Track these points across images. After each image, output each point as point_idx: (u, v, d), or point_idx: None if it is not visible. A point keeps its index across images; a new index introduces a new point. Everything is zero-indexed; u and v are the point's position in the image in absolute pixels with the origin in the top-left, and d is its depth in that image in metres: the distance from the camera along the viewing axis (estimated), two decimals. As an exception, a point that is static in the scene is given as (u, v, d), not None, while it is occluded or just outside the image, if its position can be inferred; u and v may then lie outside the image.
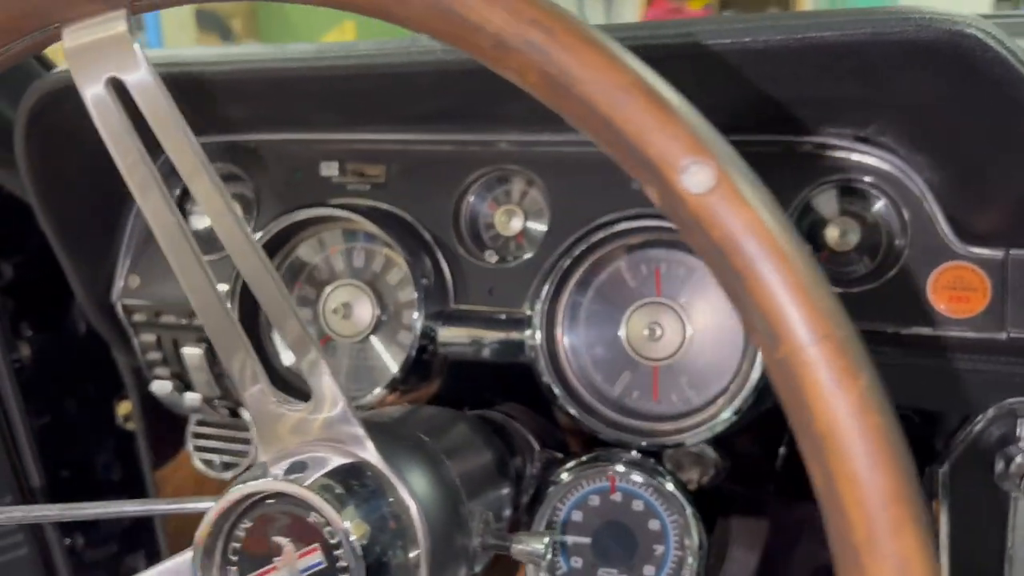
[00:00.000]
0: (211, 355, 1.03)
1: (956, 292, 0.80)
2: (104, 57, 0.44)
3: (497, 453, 0.75)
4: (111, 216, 1.03)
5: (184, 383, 1.09)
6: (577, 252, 0.87)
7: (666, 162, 0.32)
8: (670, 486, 0.81)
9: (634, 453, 0.87)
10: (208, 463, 1.16)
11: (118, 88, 0.46)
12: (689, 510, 0.80)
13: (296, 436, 0.58)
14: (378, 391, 0.92)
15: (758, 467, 1.05)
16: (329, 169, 0.97)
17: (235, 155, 1.02)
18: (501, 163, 0.94)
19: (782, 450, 0.97)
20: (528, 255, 0.92)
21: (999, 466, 0.84)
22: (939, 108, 0.75)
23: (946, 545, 0.88)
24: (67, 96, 0.87)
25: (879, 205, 0.85)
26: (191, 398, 1.09)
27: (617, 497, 0.83)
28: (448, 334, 0.92)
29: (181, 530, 1.30)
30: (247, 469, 1.12)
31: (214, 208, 0.49)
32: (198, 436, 1.17)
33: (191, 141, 0.47)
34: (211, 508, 0.54)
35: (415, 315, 0.91)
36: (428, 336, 0.91)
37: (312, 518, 0.53)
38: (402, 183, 0.96)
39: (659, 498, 0.82)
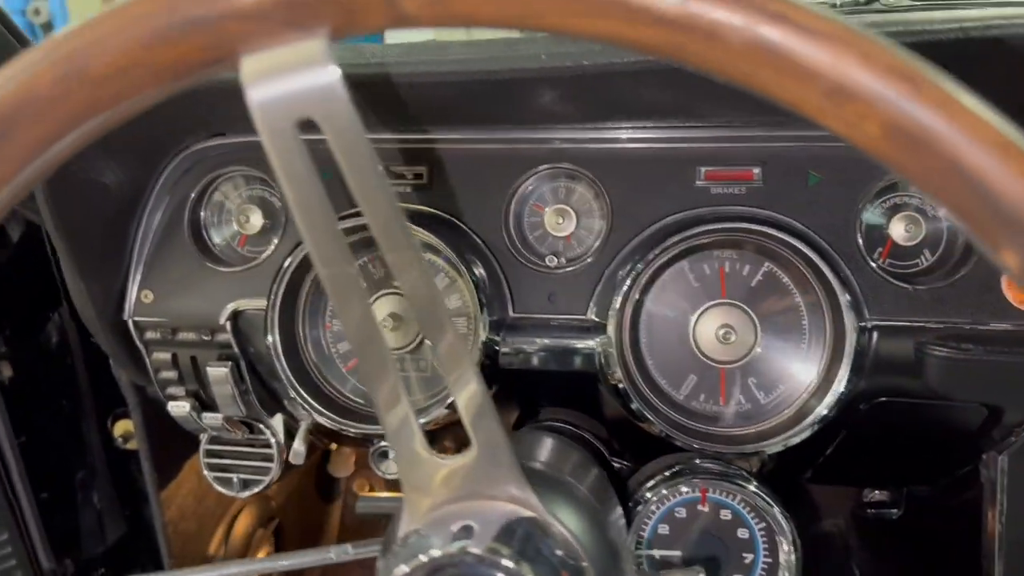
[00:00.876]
0: (237, 373, 0.96)
1: (1030, 287, 0.81)
2: (296, 93, 0.38)
3: (604, 473, 0.72)
4: (120, 230, 0.94)
5: (201, 402, 1.01)
6: (651, 256, 0.83)
7: (1050, 229, 0.29)
8: (761, 494, 0.79)
9: (699, 461, 0.85)
10: (225, 482, 1.09)
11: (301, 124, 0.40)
12: (778, 512, 0.79)
13: (448, 487, 0.53)
14: (442, 411, 0.88)
15: (800, 457, 1.05)
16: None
17: (258, 157, 0.94)
18: (554, 162, 0.89)
19: (829, 450, 0.96)
20: (589, 259, 0.88)
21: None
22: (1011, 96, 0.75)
23: (1005, 523, 0.90)
24: None
25: (947, 200, 0.84)
26: (212, 418, 1.01)
27: (705, 508, 0.81)
28: (512, 344, 0.87)
29: (185, 551, 1.23)
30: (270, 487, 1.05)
31: (391, 236, 0.43)
32: (211, 455, 1.09)
33: (389, 193, 0.42)
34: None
35: (480, 327, 0.86)
36: (490, 347, 0.87)
37: (499, 587, 0.48)
38: (447, 184, 0.90)
39: (747, 506, 0.81)
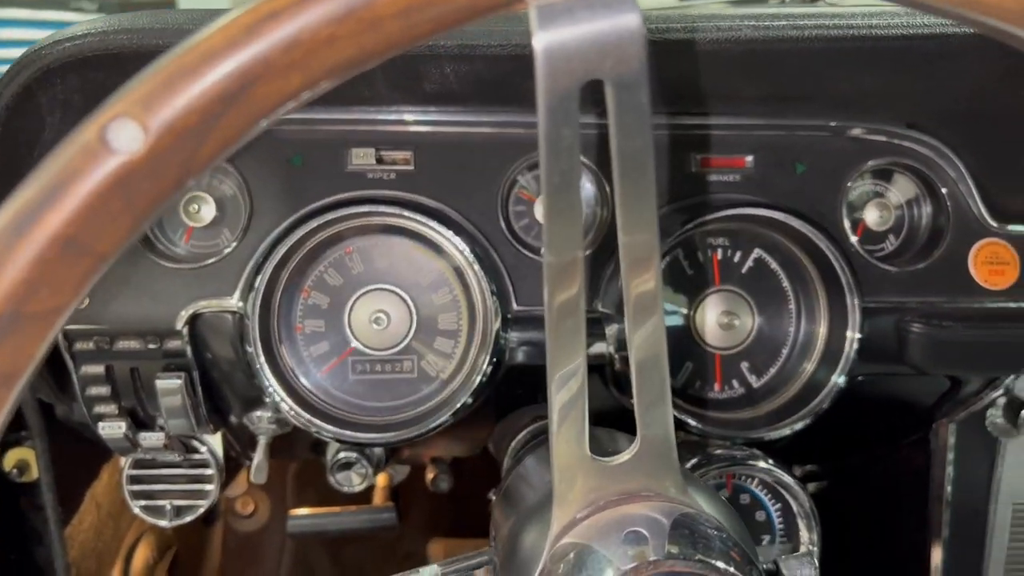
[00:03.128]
0: (190, 383, 0.84)
1: (993, 266, 0.88)
2: (590, 41, 0.33)
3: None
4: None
5: (136, 420, 0.88)
6: (665, 246, 0.82)
7: None
8: (783, 477, 0.80)
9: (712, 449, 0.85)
10: (155, 511, 0.96)
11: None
12: (796, 488, 0.81)
13: (600, 489, 0.49)
14: (446, 419, 0.82)
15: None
16: (361, 157, 0.82)
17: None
18: (548, 147, 0.86)
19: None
20: (589, 250, 0.86)
21: (994, 418, 0.95)
22: (987, 94, 0.81)
23: (953, 488, 0.98)
24: (63, 75, 0.64)
25: (917, 188, 0.90)
26: (152, 438, 0.88)
27: (725, 494, 0.81)
28: (519, 339, 0.83)
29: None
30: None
31: (644, 217, 0.39)
32: (136, 481, 0.95)
33: (651, 174, 0.37)
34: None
35: (491, 320, 0.81)
36: (498, 342, 0.82)
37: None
38: (435, 171, 0.84)
39: (763, 488, 0.82)
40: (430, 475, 1.22)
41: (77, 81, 0.64)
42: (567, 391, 0.46)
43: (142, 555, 1.19)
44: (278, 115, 0.31)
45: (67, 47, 0.61)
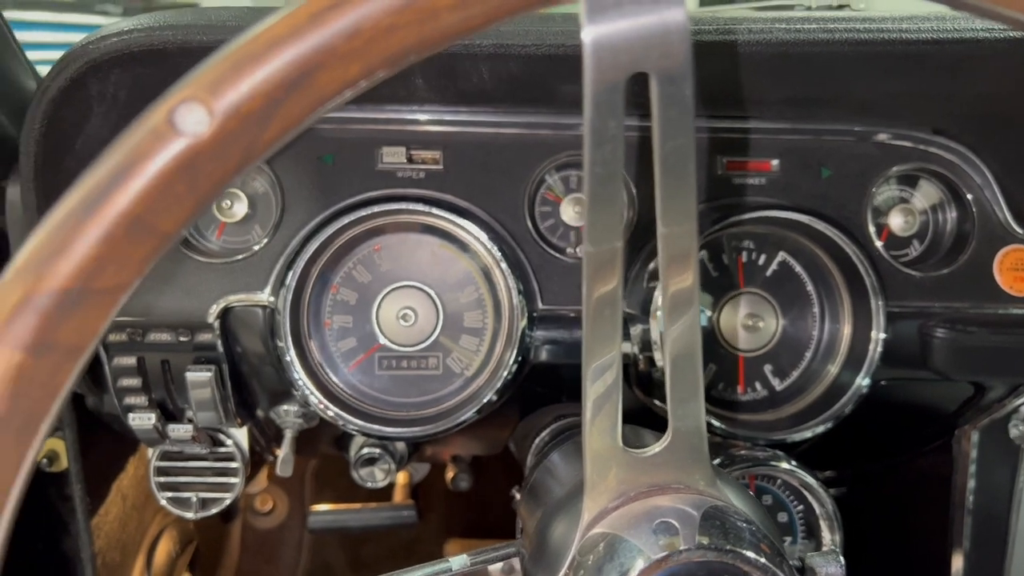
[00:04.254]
0: (220, 376, 0.85)
1: (1018, 273, 0.88)
2: (642, 43, 0.34)
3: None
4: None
5: (165, 412, 0.89)
6: (691, 245, 0.83)
7: None
8: (806, 478, 0.81)
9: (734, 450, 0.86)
10: (181, 503, 0.97)
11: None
12: (824, 496, 0.81)
13: (630, 481, 0.50)
14: (470, 415, 0.82)
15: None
16: (391, 155, 0.84)
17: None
18: (574, 150, 0.87)
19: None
20: (615, 248, 0.86)
21: (1017, 425, 0.95)
22: (1013, 99, 0.82)
23: (975, 494, 0.98)
24: (108, 69, 0.65)
25: (942, 193, 0.90)
26: (181, 430, 0.90)
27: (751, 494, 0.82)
28: (544, 337, 0.84)
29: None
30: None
31: (683, 212, 0.40)
32: (162, 473, 0.97)
33: (692, 167, 0.38)
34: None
35: (517, 318, 0.82)
36: (523, 340, 0.83)
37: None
38: (463, 171, 0.85)
39: (786, 490, 0.82)
40: (450, 474, 1.22)
41: (122, 76, 0.65)
42: (602, 383, 0.46)
43: (164, 548, 1.20)
44: (336, 102, 0.32)
45: (114, 42, 0.63)
